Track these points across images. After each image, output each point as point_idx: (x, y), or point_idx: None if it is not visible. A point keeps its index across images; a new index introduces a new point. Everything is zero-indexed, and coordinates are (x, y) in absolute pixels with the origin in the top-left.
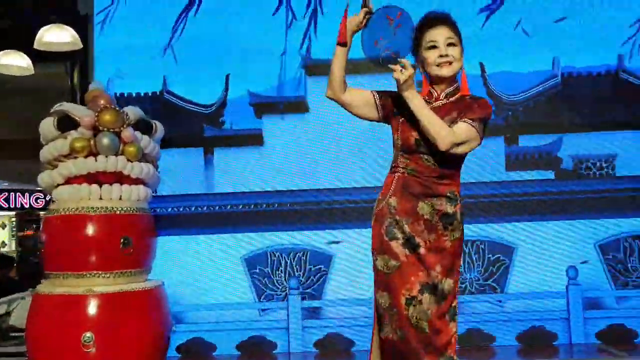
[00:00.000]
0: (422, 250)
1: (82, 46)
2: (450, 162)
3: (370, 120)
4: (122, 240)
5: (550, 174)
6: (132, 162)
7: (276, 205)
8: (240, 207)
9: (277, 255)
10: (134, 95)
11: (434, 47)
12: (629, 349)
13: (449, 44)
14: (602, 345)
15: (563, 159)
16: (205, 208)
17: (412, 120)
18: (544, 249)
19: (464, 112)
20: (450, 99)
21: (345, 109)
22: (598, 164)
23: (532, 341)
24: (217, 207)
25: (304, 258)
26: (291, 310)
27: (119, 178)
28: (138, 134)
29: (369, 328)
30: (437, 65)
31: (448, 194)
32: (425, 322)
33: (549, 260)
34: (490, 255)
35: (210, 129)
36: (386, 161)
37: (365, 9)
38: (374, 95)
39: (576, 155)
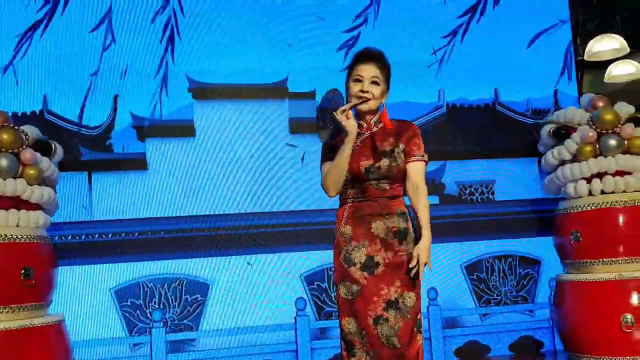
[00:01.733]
0: (381, 269)
1: None
2: (398, 182)
3: None
4: (23, 271)
5: (435, 199)
6: (31, 185)
7: (150, 232)
8: (110, 235)
9: (150, 286)
10: (9, 114)
11: (359, 80)
12: None
13: (373, 82)
14: None
15: (447, 184)
16: (70, 237)
17: (359, 150)
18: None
19: (407, 145)
20: (379, 126)
21: None
22: (480, 189)
23: None
24: (83, 236)
25: (180, 288)
26: (154, 344)
27: (17, 203)
28: (38, 155)
29: (240, 359)
30: (357, 98)
31: (398, 212)
32: (395, 338)
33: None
34: None
35: (89, 153)
36: (269, 186)
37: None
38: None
39: (460, 181)
